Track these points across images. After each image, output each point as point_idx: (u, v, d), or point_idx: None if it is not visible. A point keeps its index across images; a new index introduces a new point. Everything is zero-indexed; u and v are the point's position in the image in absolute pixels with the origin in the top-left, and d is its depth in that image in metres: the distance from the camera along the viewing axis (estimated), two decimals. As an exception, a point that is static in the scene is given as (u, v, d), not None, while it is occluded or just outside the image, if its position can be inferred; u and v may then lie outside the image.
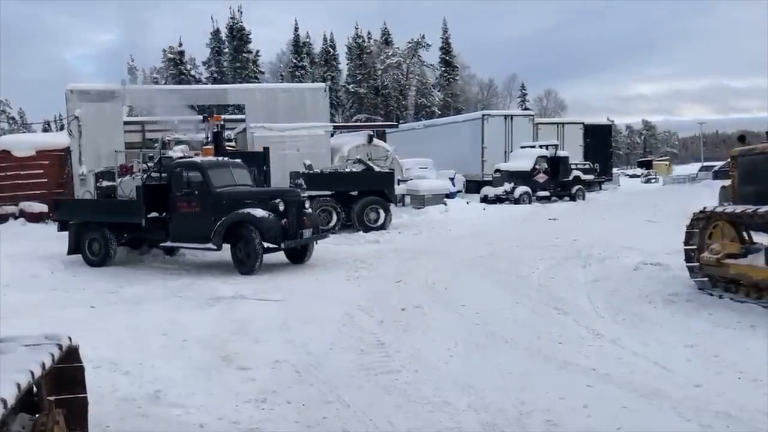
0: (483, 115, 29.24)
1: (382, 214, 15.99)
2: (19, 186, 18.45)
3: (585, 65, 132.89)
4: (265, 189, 11.60)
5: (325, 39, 63.03)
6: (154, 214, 11.06)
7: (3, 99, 57.30)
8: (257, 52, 56.59)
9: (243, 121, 20.95)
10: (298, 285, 9.19)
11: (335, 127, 22.51)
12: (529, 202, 23.16)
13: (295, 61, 59.36)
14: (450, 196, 21.94)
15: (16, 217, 18.07)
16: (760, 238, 7.59)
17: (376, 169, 17.24)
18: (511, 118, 29.15)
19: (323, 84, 23.27)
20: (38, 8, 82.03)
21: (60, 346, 3.17)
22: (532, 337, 6.15)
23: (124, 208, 11.53)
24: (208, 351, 5.92)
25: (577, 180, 25.79)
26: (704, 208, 7.96)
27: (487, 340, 6.12)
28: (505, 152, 27.44)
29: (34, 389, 2.98)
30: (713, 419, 4.12)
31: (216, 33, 56.92)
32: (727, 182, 9.75)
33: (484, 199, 23.52)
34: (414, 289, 8.67)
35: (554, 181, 24.77)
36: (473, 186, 26.77)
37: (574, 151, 28.58)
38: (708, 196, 17.92)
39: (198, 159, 11.41)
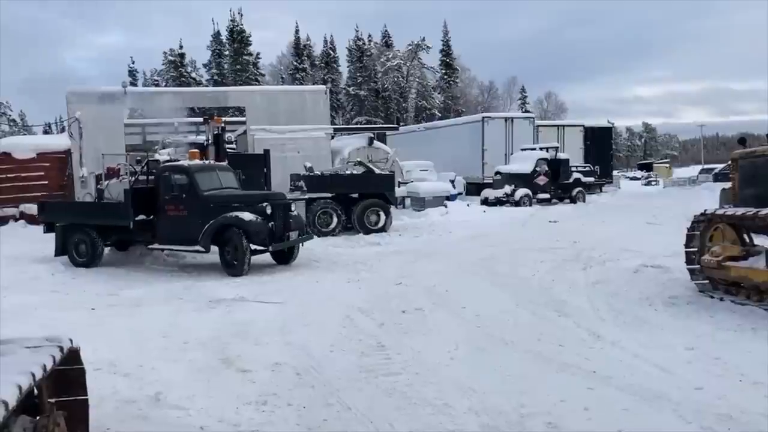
0: (483, 118, 29.25)
1: (383, 216, 16.00)
2: (20, 188, 18.49)
3: (585, 68, 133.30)
4: (252, 192, 11.76)
5: (325, 41, 63.17)
6: (141, 217, 11.22)
7: (4, 101, 57.35)
8: (258, 54, 56.71)
9: (244, 123, 20.98)
10: (298, 287, 9.19)
11: (336, 130, 22.50)
12: (530, 205, 23.18)
13: (295, 63, 59.41)
14: (450, 198, 21.97)
15: (16, 220, 18.10)
16: (760, 240, 7.58)
17: (377, 171, 17.26)
18: (512, 121, 29.15)
19: (324, 86, 23.26)
20: (39, 10, 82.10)
21: (61, 348, 3.17)
22: (533, 339, 6.15)
23: (112, 211, 11.65)
24: (209, 353, 5.91)
25: (578, 182, 25.80)
26: (705, 210, 7.96)
27: (488, 343, 6.12)
28: (506, 155, 27.46)
29: (35, 391, 2.98)
30: (714, 422, 4.12)
31: (216, 35, 57.01)
32: (728, 185, 9.74)
33: (485, 202, 23.53)
34: (414, 291, 8.67)
35: (555, 183, 24.79)
36: (473, 188, 26.80)
37: (574, 154, 28.62)
38: (708, 198, 17.92)
39: (185, 163, 11.52)
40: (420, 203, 20.73)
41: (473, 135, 28.66)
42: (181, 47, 56.15)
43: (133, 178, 11.57)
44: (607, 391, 4.73)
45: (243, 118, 21.80)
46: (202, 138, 15.74)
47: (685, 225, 8.19)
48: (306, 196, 15.61)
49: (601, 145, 32.94)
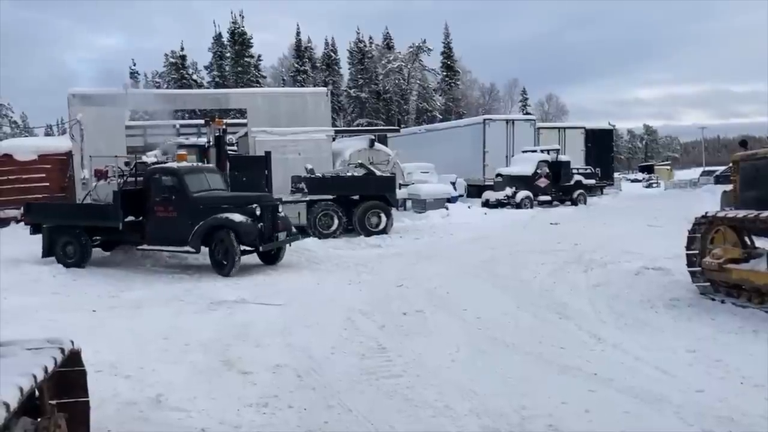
0: (484, 120, 29.26)
1: (384, 218, 15.98)
2: (21, 190, 18.50)
3: (585, 70, 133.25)
4: (241, 194, 11.98)
5: (326, 43, 63.29)
6: (130, 218, 11.38)
7: (5, 103, 57.46)
8: (259, 56, 56.79)
9: (245, 125, 20.97)
10: (299, 289, 9.19)
11: (337, 132, 22.50)
12: (531, 207, 23.18)
13: (296, 65, 59.48)
14: (451, 200, 21.97)
15: (17, 221, 18.09)
16: (762, 243, 7.56)
17: (378, 173, 17.25)
18: (513, 123, 29.15)
19: (325, 88, 23.28)
20: (40, 12, 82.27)
21: (62, 350, 3.17)
22: (534, 341, 6.15)
23: (101, 212, 11.78)
24: (210, 355, 5.91)
25: (579, 185, 25.80)
26: (706, 212, 7.95)
27: (489, 345, 6.12)
28: (507, 157, 27.46)
29: (36, 393, 2.98)
30: (715, 424, 4.11)
31: (218, 37, 57.06)
32: (729, 187, 9.74)
33: (486, 204, 23.53)
34: (415, 293, 8.67)
35: (556, 185, 24.79)
36: (475, 190, 26.80)
37: (575, 156, 28.58)
38: (709, 201, 17.91)
39: (174, 165, 11.66)
40: (421, 205, 20.72)
41: (474, 137, 28.66)
42: (182, 49, 56.35)
43: (122, 180, 11.72)
44: (608, 394, 4.72)
45: (244, 120, 21.80)
46: (203, 140, 15.74)
47: (686, 227, 8.18)
48: (307, 198, 15.61)
49: (602, 147, 32.91)
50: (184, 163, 11.76)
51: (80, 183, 17.92)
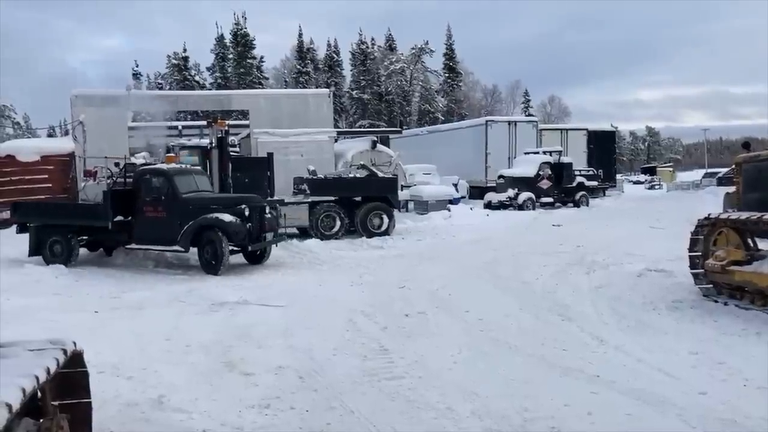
0: (487, 121, 29.25)
1: (386, 219, 15.98)
2: (24, 191, 18.48)
3: (586, 72, 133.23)
4: (229, 195, 12.37)
5: (329, 45, 63.36)
6: (119, 218, 11.56)
7: (8, 104, 57.51)
8: (261, 57, 56.86)
9: (247, 126, 20.97)
10: (301, 290, 9.18)
11: (339, 133, 22.51)
12: (533, 209, 23.16)
13: (299, 66, 59.52)
14: (453, 202, 21.96)
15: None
16: (765, 245, 7.55)
17: (380, 174, 17.25)
18: (515, 124, 29.15)
19: (327, 90, 23.28)
20: (43, 14, 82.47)
21: (65, 351, 3.17)
22: (536, 343, 6.14)
23: (89, 212, 11.97)
24: (212, 356, 5.91)
25: (581, 186, 25.79)
26: (709, 214, 7.94)
27: (491, 347, 6.11)
28: (509, 158, 27.46)
29: (39, 394, 2.98)
30: (718, 427, 4.10)
31: (220, 39, 57.13)
32: (732, 189, 9.72)
33: (488, 205, 23.52)
34: (418, 295, 8.66)
35: (558, 187, 24.78)
36: (477, 192, 26.78)
37: (577, 158, 28.58)
38: (712, 202, 17.87)
39: (164, 166, 11.88)
40: (423, 207, 20.72)
41: (476, 138, 28.65)
42: (184, 50, 56.42)
43: (111, 181, 11.89)
44: (610, 396, 4.71)
45: (246, 122, 21.78)
46: (206, 141, 15.75)
47: (689, 229, 8.17)
48: (309, 200, 15.62)
49: (604, 148, 32.89)
50: (172, 165, 12.02)
51: (82, 184, 17.97)
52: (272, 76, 61.54)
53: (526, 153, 26.14)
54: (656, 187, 48.38)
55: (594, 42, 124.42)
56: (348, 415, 4.46)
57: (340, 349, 6.07)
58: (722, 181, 31.06)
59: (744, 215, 7.21)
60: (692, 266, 7.84)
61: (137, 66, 57.56)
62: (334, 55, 63.29)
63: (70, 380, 3.35)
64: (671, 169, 66.10)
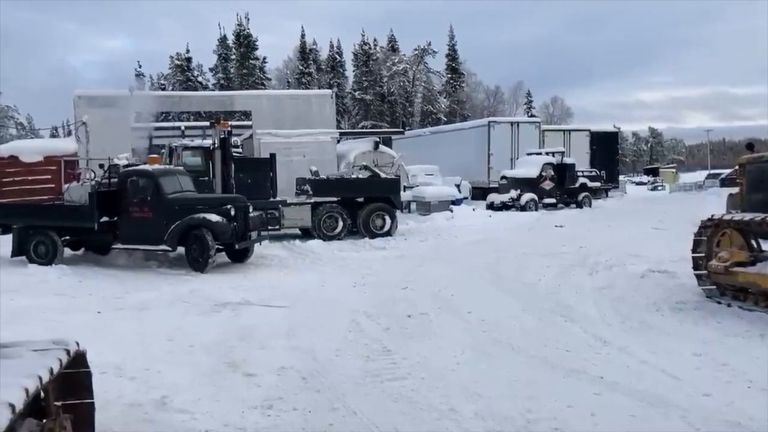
0: (489, 122, 29.24)
1: (388, 220, 15.97)
2: (27, 191, 18.52)
3: (589, 73, 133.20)
4: (214, 195, 12.70)
5: (331, 46, 63.39)
6: (104, 219, 11.67)
7: (11, 105, 57.66)
8: (264, 58, 56.85)
9: (250, 127, 20.98)
10: (303, 291, 9.18)
11: (341, 134, 22.50)
12: (536, 209, 23.13)
13: (301, 67, 59.55)
14: (456, 202, 21.94)
15: None
16: (768, 246, 7.55)
17: (382, 175, 17.23)
18: (518, 125, 29.13)
19: (329, 91, 23.27)
20: (45, 15, 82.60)
21: (68, 352, 3.17)
22: (539, 344, 6.13)
23: (74, 213, 11.97)
24: (214, 357, 5.92)
25: (584, 187, 25.76)
26: (712, 215, 7.93)
27: (494, 348, 6.10)
28: (512, 159, 27.44)
29: (42, 394, 2.98)
30: (722, 428, 4.10)
31: (223, 40, 57.14)
32: (735, 190, 9.70)
33: (490, 206, 23.49)
34: (420, 295, 8.65)
35: (560, 188, 24.75)
36: (479, 193, 26.76)
37: (580, 159, 28.55)
38: (715, 203, 17.83)
39: (149, 167, 11.99)
40: (425, 207, 20.71)
41: (479, 139, 28.65)
42: (187, 51, 56.42)
43: (95, 182, 12.00)
44: (614, 397, 4.70)
45: (249, 122, 21.79)
46: (208, 142, 15.77)
47: (692, 230, 8.16)
48: (312, 200, 15.62)
49: (607, 149, 32.87)
50: (157, 166, 12.14)
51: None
52: (275, 77, 61.61)
53: (528, 154, 26.11)
54: (659, 188, 48.26)
55: (596, 43, 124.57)
56: (350, 416, 4.46)
57: (342, 350, 6.07)
58: (725, 183, 31.00)
59: (747, 216, 7.20)
60: (695, 267, 7.83)
61: (140, 67, 57.68)
62: (337, 56, 63.34)
63: (73, 381, 3.35)
64: (674, 170, 65.93)
